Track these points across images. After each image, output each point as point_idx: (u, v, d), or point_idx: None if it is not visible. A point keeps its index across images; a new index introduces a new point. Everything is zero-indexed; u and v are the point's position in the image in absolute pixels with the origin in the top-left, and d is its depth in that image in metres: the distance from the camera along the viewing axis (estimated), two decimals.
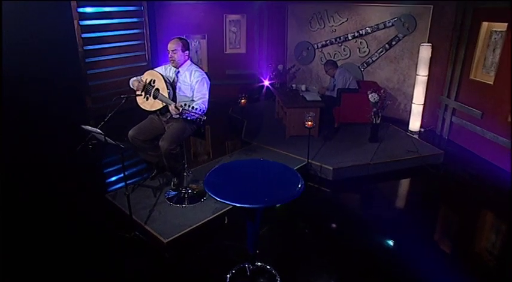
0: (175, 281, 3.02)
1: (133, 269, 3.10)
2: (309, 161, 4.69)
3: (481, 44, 5.22)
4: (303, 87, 5.99)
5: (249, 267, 2.88)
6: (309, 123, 4.41)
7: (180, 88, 3.54)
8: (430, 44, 5.72)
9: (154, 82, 3.50)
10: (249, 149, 5.13)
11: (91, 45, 6.32)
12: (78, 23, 6.05)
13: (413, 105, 6.10)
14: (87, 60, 6.35)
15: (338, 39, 6.98)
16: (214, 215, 3.62)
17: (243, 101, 5.15)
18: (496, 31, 5.03)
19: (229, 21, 7.48)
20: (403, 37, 6.27)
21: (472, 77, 5.38)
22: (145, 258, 3.19)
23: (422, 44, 5.78)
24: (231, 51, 7.66)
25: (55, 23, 5.72)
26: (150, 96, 3.51)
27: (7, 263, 2.90)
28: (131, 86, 3.64)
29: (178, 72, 3.56)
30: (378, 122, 5.30)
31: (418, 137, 5.88)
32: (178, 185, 3.84)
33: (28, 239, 3.37)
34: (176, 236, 3.31)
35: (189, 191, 3.88)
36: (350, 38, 6.84)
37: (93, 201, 3.95)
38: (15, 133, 5.02)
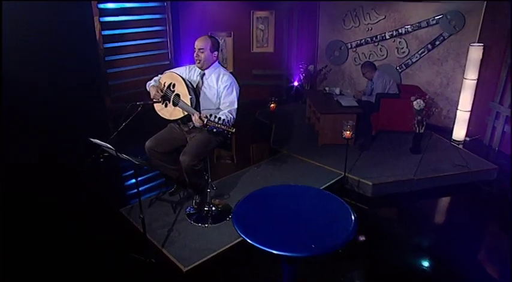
0: None
1: None
2: (346, 174, 4.20)
3: None
4: (337, 91, 5.49)
5: None
6: (347, 133, 3.92)
7: (204, 94, 3.11)
8: (481, 44, 5.11)
9: (174, 86, 3.07)
10: (278, 159, 4.68)
11: (111, 43, 6.00)
12: (99, 19, 5.74)
13: (458, 111, 5.50)
14: (107, 58, 6.04)
15: (374, 39, 6.43)
16: (241, 238, 3.18)
17: (272, 105, 4.70)
18: None
19: (257, 18, 7.03)
20: (449, 36, 5.67)
21: None
22: None
23: (472, 44, 5.17)
24: (258, 50, 7.21)
25: (74, 19, 5.42)
26: (169, 102, 3.09)
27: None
28: (148, 89, 3.24)
29: (204, 74, 3.13)
30: (422, 131, 4.76)
31: (463, 147, 5.29)
32: (201, 204, 3.42)
33: (31, 256, 3.03)
34: (197, 263, 2.90)
35: (213, 208, 3.47)
36: (388, 37, 6.29)
37: (106, 216, 3.58)
38: (30, 135, 4.73)
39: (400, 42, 6.18)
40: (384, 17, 6.24)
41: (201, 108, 3.03)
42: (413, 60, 6.11)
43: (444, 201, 4.32)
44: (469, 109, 5.44)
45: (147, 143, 3.15)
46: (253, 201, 2.13)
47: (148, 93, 3.17)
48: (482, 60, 5.18)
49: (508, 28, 4.91)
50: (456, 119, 5.54)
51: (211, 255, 2.99)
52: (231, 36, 7.06)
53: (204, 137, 3.05)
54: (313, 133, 5.35)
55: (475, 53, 5.15)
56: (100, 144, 2.53)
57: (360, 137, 5.03)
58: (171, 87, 3.09)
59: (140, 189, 2.92)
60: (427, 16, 5.79)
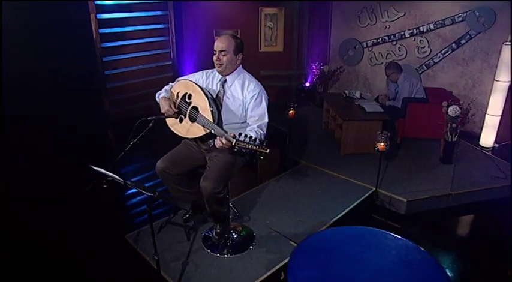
0: None
1: None
2: (378, 190, 3.76)
3: None
4: (357, 94, 5.05)
5: None
6: (381, 145, 3.47)
7: (227, 105, 2.60)
8: None
9: (190, 97, 2.56)
10: (298, 172, 4.23)
11: (109, 42, 5.50)
12: (96, 16, 5.23)
13: (487, 116, 5.09)
14: (104, 59, 5.53)
15: (392, 37, 6.00)
16: (270, 272, 2.74)
17: (291, 111, 4.22)
18: None
19: (265, 15, 6.55)
20: (476, 34, 5.24)
21: None
22: None
23: (506, 43, 4.75)
24: (267, 49, 6.72)
25: (69, 17, 4.90)
26: (185, 117, 2.59)
27: None
28: (157, 100, 2.73)
29: (226, 82, 2.64)
30: (455, 139, 4.33)
31: (492, 154, 4.89)
32: (223, 234, 2.93)
33: None
34: None
35: (233, 234, 3.02)
36: (407, 35, 5.85)
37: (110, 244, 3.11)
38: (23, 142, 4.23)
39: (421, 41, 5.75)
40: (403, 14, 5.80)
41: (223, 123, 2.55)
42: (436, 60, 5.68)
43: (487, 220, 3.86)
44: (500, 113, 5.03)
45: (159, 164, 2.66)
46: (312, 253, 1.66)
47: (158, 104, 2.68)
48: None
49: None
50: (484, 123, 5.13)
51: None
52: (237, 34, 6.58)
53: (228, 158, 2.56)
54: (333, 141, 4.91)
55: (509, 52, 4.72)
56: (104, 174, 2.05)
57: None
58: (187, 98, 2.59)
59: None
60: (452, 13, 5.35)
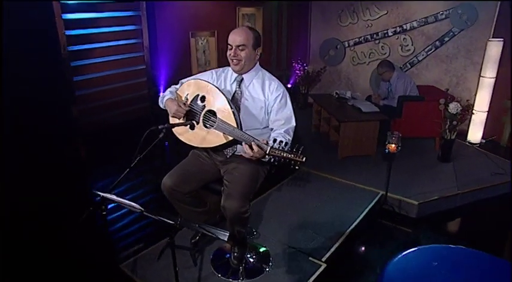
0: None
1: None
2: (388, 193, 3.57)
3: None
4: (348, 94, 4.87)
5: None
6: (393, 146, 3.28)
7: (246, 108, 2.26)
8: (501, 39, 4.71)
9: (203, 99, 2.20)
10: (299, 178, 3.95)
11: (77, 45, 4.97)
12: (61, 16, 4.70)
13: (474, 112, 5.08)
14: (72, 64, 4.99)
15: (375, 36, 5.92)
16: None
17: None
18: None
19: (243, 15, 6.26)
20: (459, 32, 5.25)
21: None
22: None
23: (491, 39, 4.77)
24: None
25: (31, 17, 4.36)
26: (197, 124, 2.22)
27: None
28: (162, 105, 2.36)
29: (242, 81, 2.30)
30: (453, 137, 4.25)
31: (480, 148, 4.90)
32: (241, 257, 2.56)
33: None
34: None
35: (246, 256, 2.68)
36: (390, 34, 5.79)
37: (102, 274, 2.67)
38: None
39: (404, 39, 5.71)
40: (386, 12, 5.74)
41: (242, 129, 2.21)
42: (419, 58, 5.66)
43: (498, 216, 3.74)
44: (487, 109, 5.04)
45: (167, 181, 2.26)
46: None
47: (164, 110, 2.30)
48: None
49: None
50: (471, 120, 5.13)
51: None
52: (214, 36, 6.23)
53: (252, 169, 2.21)
54: (328, 144, 4.70)
55: (495, 48, 4.74)
56: (117, 201, 1.65)
57: (380, 145, 4.42)
58: (199, 101, 2.22)
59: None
60: (435, 10, 5.34)
